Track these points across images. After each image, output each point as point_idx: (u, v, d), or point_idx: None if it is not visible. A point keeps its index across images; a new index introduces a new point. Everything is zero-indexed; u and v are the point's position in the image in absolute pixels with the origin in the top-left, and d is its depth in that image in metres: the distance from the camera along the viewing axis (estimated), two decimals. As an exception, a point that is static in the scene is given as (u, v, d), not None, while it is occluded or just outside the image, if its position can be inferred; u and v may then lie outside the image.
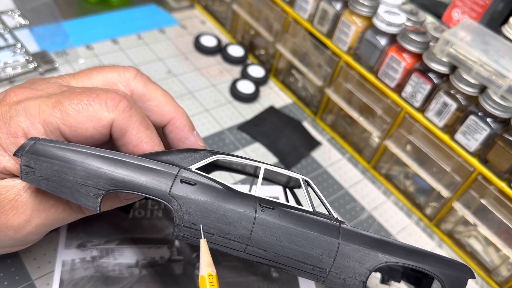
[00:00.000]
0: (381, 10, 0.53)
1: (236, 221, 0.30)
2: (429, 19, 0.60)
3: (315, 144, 0.62)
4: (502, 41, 0.49)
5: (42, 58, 0.59)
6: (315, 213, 0.33)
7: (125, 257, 0.42)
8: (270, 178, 0.43)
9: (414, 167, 0.55)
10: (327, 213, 0.34)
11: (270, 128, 0.62)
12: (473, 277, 0.35)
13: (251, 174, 0.44)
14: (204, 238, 0.31)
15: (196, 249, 0.45)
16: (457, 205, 0.52)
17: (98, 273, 0.41)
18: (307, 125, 0.64)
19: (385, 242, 0.33)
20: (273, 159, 0.57)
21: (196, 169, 0.32)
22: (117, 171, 0.30)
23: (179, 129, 0.39)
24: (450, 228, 0.55)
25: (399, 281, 0.41)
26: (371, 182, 0.60)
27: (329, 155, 0.61)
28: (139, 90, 0.38)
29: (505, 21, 0.54)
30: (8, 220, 0.32)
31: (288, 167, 0.44)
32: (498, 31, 0.51)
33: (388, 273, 0.43)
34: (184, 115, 0.40)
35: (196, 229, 0.30)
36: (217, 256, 0.45)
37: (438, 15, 0.62)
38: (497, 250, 0.52)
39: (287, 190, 0.44)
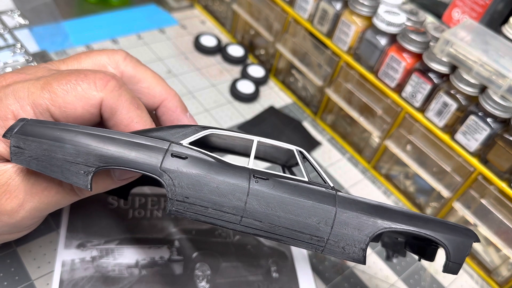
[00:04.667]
0: (381, 10, 0.53)
1: (229, 193, 0.30)
2: (429, 19, 0.60)
3: (315, 144, 0.62)
4: (502, 41, 0.49)
5: (42, 58, 0.59)
6: (310, 182, 0.33)
7: (125, 257, 0.42)
8: (267, 158, 0.43)
9: (414, 167, 0.55)
10: (323, 182, 0.34)
11: (270, 128, 0.62)
12: (477, 240, 0.34)
13: (245, 154, 0.43)
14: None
15: (196, 249, 0.45)
16: (457, 205, 0.52)
17: (98, 273, 0.41)
18: (307, 125, 0.64)
19: (384, 208, 0.33)
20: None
21: (188, 143, 0.32)
22: (107, 147, 0.29)
23: (171, 111, 0.39)
24: (450, 228, 0.55)
25: (404, 256, 0.40)
26: (371, 182, 0.60)
27: (329, 155, 0.61)
28: (129, 72, 0.38)
29: (505, 21, 0.54)
30: (1, 205, 0.32)
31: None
32: (498, 31, 0.51)
33: (392, 248, 0.42)
34: (176, 97, 0.39)
35: (189, 203, 0.30)
36: (217, 257, 0.45)
37: (438, 15, 0.62)
38: (497, 250, 0.52)
39: (285, 169, 0.44)
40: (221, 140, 0.38)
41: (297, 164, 0.42)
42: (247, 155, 0.43)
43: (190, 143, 0.32)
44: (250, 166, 0.32)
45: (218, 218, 0.30)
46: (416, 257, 0.39)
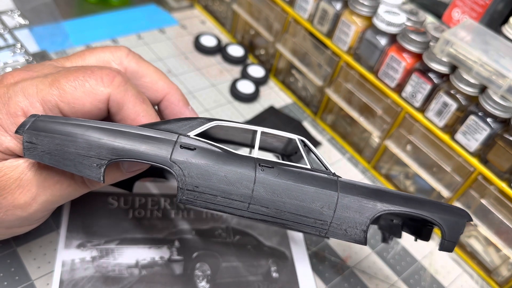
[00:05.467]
0: (381, 10, 0.53)
1: (237, 181, 0.31)
2: (429, 19, 0.60)
3: (315, 144, 0.62)
4: (502, 41, 0.49)
5: (42, 58, 0.59)
6: (313, 169, 0.34)
7: (125, 257, 0.42)
8: (267, 147, 0.44)
9: (414, 167, 0.55)
10: (325, 169, 0.35)
11: (270, 128, 0.61)
12: (470, 220, 0.36)
13: (248, 145, 0.45)
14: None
15: (196, 249, 0.45)
16: (457, 205, 0.52)
17: (98, 273, 0.41)
18: (307, 125, 0.64)
19: (383, 192, 0.34)
20: (273, 158, 0.57)
21: (195, 135, 0.33)
22: (118, 140, 0.30)
23: (174, 104, 0.40)
24: (450, 228, 0.55)
25: (399, 237, 0.42)
26: (371, 182, 0.60)
27: (329, 155, 0.61)
28: (132, 67, 0.39)
29: (505, 21, 0.54)
30: (15, 199, 0.32)
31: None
32: (498, 31, 0.51)
33: (389, 230, 0.43)
34: (178, 91, 0.41)
35: (199, 192, 0.31)
36: (217, 257, 0.45)
37: (438, 15, 0.62)
38: (497, 250, 0.52)
39: (285, 158, 0.45)
40: (223, 132, 0.39)
41: (296, 153, 0.43)
42: (247, 145, 0.44)
43: (197, 135, 0.33)
44: (255, 155, 0.33)
45: (227, 206, 0.31)
46: (413, 237, 0.40)
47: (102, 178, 0.30)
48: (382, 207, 0.33)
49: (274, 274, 0.45)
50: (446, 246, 0.35)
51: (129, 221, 0.45)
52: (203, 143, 0.32)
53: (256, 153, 0.34)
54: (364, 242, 0.33)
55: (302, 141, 0.36)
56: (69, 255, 0.41)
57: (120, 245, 0.43)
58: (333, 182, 0.34)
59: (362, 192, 0.34)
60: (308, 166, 0.34)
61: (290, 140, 0.37)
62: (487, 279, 0.52)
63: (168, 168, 0.31)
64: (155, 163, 0.31)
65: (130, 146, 0.30)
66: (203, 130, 0.33)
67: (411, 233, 0.40)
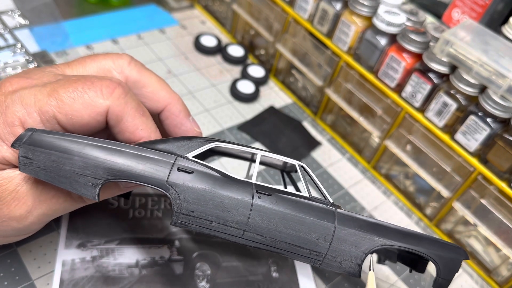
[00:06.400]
0: (381, 10, 0.53)
1: (233, 208, 0.31)
2: (429, 19, 0.60)
3: (315, 144, 0.62)
4: (502, 41, 0.49)
5: (42, 58, 0.59)
6: (311, 198, 0.34)
7: (125, 257, 0.42)
8: (267, 163, 0.44)
9: (414, 167, 0.55)
10: (323, 198, 0.35)
11: (270, 128, 0.62)
12: (467, 258, 0.36)
13: (248, 158, 0.44)
14: (372, 270, 0.33)
15: (196, 249, 0.45)
16: (457, 205, 0.52)
17: (98, 273, 0.41)
18: (307, 125, 0.64)
19: (381, 226, 0.34)
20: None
21: (193, 157, 0.32)
22: (115, 160, 0.30)
23: (174, 115, 0.39)
24: (450, 228, 0.55)
25: (395, 262, 0.42)
26: (371, 182, 0.60)
27: (329, 155, 0.61)
28: (133, 76, 0.38)
29: (505, 21, 0.54)
30: (10, 211, 0.32)
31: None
32: (498, 31, 0.51)
33: (384, 255, 0.44)
34: (179, 101, 0.40)
35: (194, 216, 0.31)
36: (217, 256, 0.45)
37: (438, 15, 0.62)
38: (497, 250, 0.52)
39: (284, 174, 0.44)
40: (224, 146, 0.38)
41: (296, 171, 0.43)
42: (247, 159, 0.44)
43: (195, 156, 0.33)
44: (253, 180, 0.33)
45: (222, 232, 0.31)
46: (408, 268, 0.40)
47: (97, 197, 0.30)
48: (379, 241, 0.33)
49: (274, 274, 0.45)
50: (440, 283, 0.35)
51: (129, 221, 0.45)
52: (201, 166, 0.32)
53: (255, 178, 0.33)
54: (358, 275, 0.33)
55: (303, 167, 0.36)
56: (69, 255, 0.41)
57: (120, 245, 0.43)
58: (331, 213, 0.33)
59: (360, 225, 0.33)
60: (306, 195, 0.34)
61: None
62: (487, 279, 0.52)
63: (164, 191, 0.30)
64: (151, 185, 0.30)
65: (126, 167, 0.30)
66: (202, 151, 0.33)
67: (407, 264, 0.40)
